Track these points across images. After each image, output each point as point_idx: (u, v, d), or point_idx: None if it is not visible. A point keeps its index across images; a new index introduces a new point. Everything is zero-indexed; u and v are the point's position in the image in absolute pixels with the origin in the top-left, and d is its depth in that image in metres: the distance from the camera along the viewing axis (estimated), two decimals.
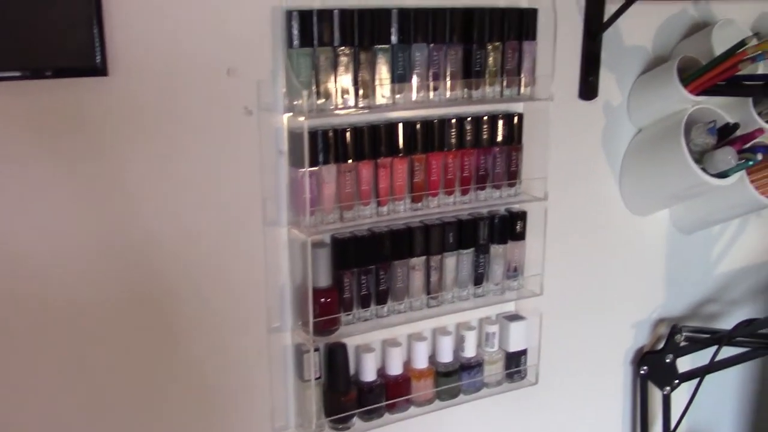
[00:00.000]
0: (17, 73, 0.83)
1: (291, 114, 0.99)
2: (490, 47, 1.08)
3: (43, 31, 0.82)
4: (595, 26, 1.20)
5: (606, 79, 1.25)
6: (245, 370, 1.06)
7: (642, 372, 1.42)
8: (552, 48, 1.12)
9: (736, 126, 1.19)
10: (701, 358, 1.38)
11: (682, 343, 1.39)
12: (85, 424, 0.97)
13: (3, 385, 0.91)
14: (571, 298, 1.33)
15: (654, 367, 1.42)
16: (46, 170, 0.88)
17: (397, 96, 1.03)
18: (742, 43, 1.13)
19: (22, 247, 0.89)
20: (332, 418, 1.09)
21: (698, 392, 1.36)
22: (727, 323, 1.44)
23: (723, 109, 1.23)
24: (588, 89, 1.23)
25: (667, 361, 1.40)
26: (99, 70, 0.86)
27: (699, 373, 1.38)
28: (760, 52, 1.13)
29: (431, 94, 1.05)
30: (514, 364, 1.23)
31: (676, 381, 1.41)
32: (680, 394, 1.40)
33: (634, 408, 1.47)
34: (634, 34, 1.25)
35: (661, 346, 1.42)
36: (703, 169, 1.19)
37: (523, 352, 1.24)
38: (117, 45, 0.88)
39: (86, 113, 0.88)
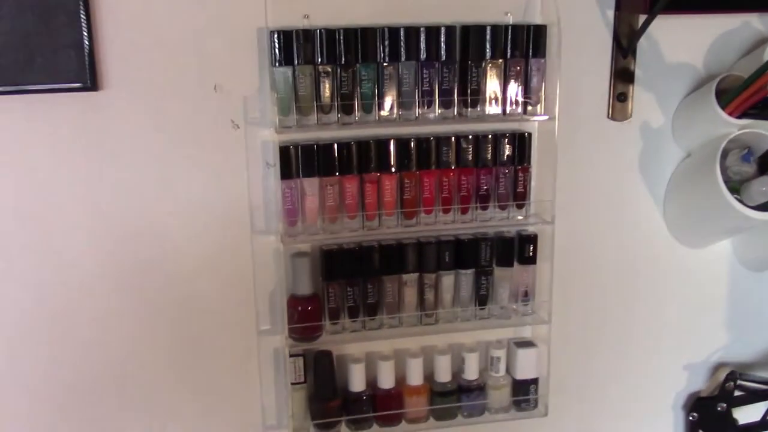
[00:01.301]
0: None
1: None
2: (489, 65, 1.06)
3: (39, 51, 0.94)
4: (624, 42, 1.12)
5: (643, 98, 1.16)
6: (237, 370, 1.13)
7: (691, 418, 1.29)
8: (557, 65, 1.07)
9: None
10: None
11: (736, 393, 1.25)
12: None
13: None
14: (606, 330, 1.25)
15: (705, 414, 1.29)
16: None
17: (382, 113, 1.04)
18: None
19: None
20: (317, 422, 1.13)
21: None
22: None
23: None
24: (618, 109, 1.15)
25: (719, 409, 1.27)
26: (90, 86, 0.97)
27: (753, 429, 1.23)
28: None
29: (417, 111, 1.05)
30: (523, 392, 1.19)
31: None
32: None
33: None
34: (679, 51, 1.15)
35: None
36: (741, 201, 1.07)
37: (534, 381, 1.19)
38: (107, 62, 0.98)
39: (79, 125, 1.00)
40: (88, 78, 0.97)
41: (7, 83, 0.95)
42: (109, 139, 1.01)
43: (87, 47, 0.96)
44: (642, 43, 1.13)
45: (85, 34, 0.96)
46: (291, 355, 1.10)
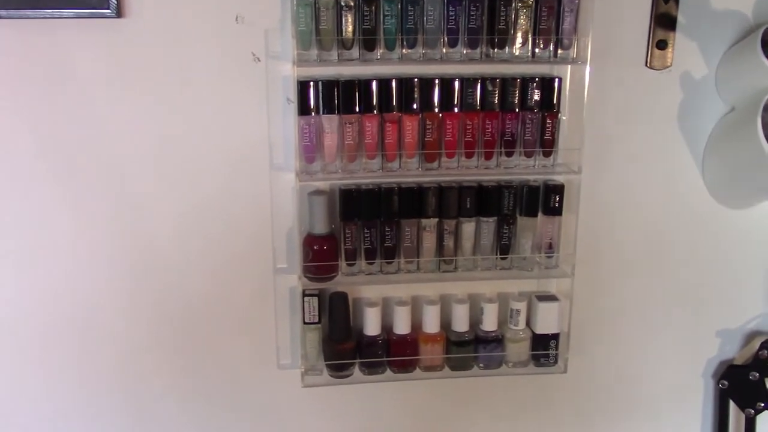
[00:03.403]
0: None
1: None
2: (519, 4, 1.02)
3: None
4: None
5: (685, 47, 1.10)
6: (253, 308, 1.14)
7: (721, 386, 1.24)
8: (591, 6, 1.02)
9: None
10: None
11: None
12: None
13: None
14: (632, 290, 1.21)
15: (736, 383, 1.23)
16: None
17: (405, 51, 1.02)
18: None
19: None
20: (329, 363, 1.12)
21: None
22: None
23: None
24: (657, 57, 1.10)
25: (751, 378, 1.21)
26: (113, 13, 0.97)
27: None
28: None
29: (442, 50, 1.02)
30: (542, 347, 1.16)
31: (762, 404, 1.21)
32: None
33: (713, 428, 1.29)
34: None
35: None
36: None
37: (554, 336, 1.15)
38: None
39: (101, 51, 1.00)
40: (111, 5, 0.97)
41: (28, 7, 0.96)
42: (130, 66, 1.01)
43: None
44: None
45: None
46: (306, 295, 1.09)
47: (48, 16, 0.97)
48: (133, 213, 1.07)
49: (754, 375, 1.21)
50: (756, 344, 1.25)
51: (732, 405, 1.25)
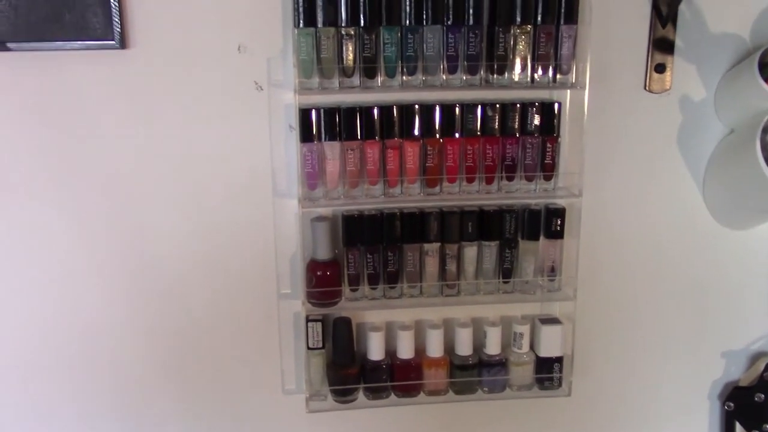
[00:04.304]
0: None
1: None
2: (518, 30, 1.03)
3: (68, 7, 0.97)
4: (664, 10, 1.07)
5: (683, 70, 1.11)
6: (257, 333, 1.14)
7: (727, 408, 1.24)
8: (588, 32, 1.03)
9: None
10: None
11: None
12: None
13: None
14: (636, 312, 1.21)
15: (742, 405, 1.23)
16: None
17: (406, 78, 1.03)
18: None
19: None
20: (333, 388, 1.13)
21: None
22: None
23: None
24: (656, 80, 1.11)
25: (757, 400, 1.21)
26: (117, 44, 0.99)
27: None
28: None
29: (442, 77, 1.03)
30: (546, 370, 1.16)
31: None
32: None
33: None
34: (724, 21, 1.10)
35: None
36: None
37: (558, 360, 1.15)
38: (135, 21, 1.00)
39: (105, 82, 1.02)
40: (116, 36, 0.99)
41: (36, 39, 0.97)
42: (134, 97, 1.03)
43: (115, 5, 0.98)
44: (683, 12, 1.08)
45: None
46: (309, 320, 1.10)
47: (55, 48, 0.98)
48: (138, 240, 1.08)
49: (760, 396, 1.21)
50: (761, 365, 1.24)
51: (738, 427, 1.25)
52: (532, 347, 1.16)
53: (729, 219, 1.18)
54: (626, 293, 1.20)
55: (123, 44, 0.99)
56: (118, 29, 0.98)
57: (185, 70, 1.02)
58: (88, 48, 0.99)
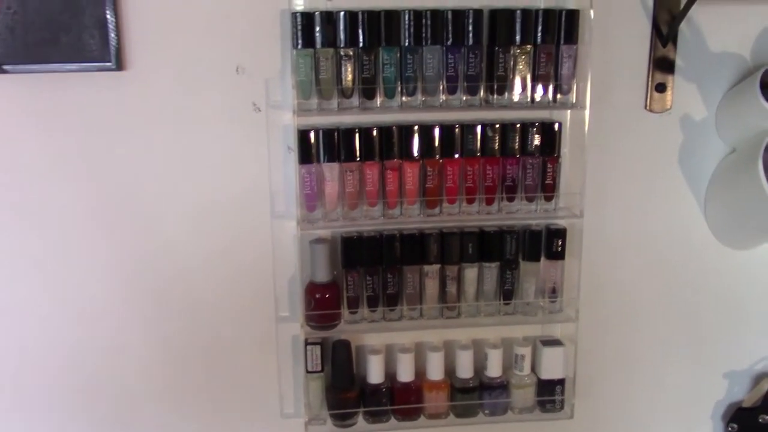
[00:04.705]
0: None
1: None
2: (518, 50, 1.02)
3: (65, 30, 0.96)
4: (664, 29, 1.07)
5: (684, 90, 1.10)
6: (255, 356, 1.13)
7: (730, 429, 1.22)
8: (588, 52, 1.03)
9: None
10: None
11: None
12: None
13: None
14: (638, 332, 1.19)
15: (746, 426, 1.22)
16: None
17: (405, 98, 1.02)
18: None
19: None
20: (333, 412, 1.11)
21: None
22: None
23: None
24: (656, 100, 1.10)
25: (761, 421, 1.20)
26: (114, 66, 0.98)
27: None
28: None
29: (441, 97, 1.02)
30: (548, 392, 1.14)
31: None
32: None
33: None
34: (724, 40, 1.09)
35: None
36: None
37: (560, 382, 1.14)
38: (131, 43, 0.99)
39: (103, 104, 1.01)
40: (113, 58, 0.98)
41: (33, 61, 0.96)
42: (131, 119, 1.02)
43: (112, 27, 0.97)
44: (683, 31, 1.08)
45: (110, 14, 0.97)
46: (308, 343, 1.08)
47: (52, 69, 0.98)
48: (135, 263, 1.07)
49: (764, 418, 1.20)
50: (765, 385, 1.23)
51: None
52: (533, 369, 1.15)
53: (731, 238, 1.17)
54: (628, 314, 1.18)
55: (120, 66, 0.99)
56: (114, 51, 0.97)
57: (183, 92, 1.02)
58: (85, 70, 0.98)
